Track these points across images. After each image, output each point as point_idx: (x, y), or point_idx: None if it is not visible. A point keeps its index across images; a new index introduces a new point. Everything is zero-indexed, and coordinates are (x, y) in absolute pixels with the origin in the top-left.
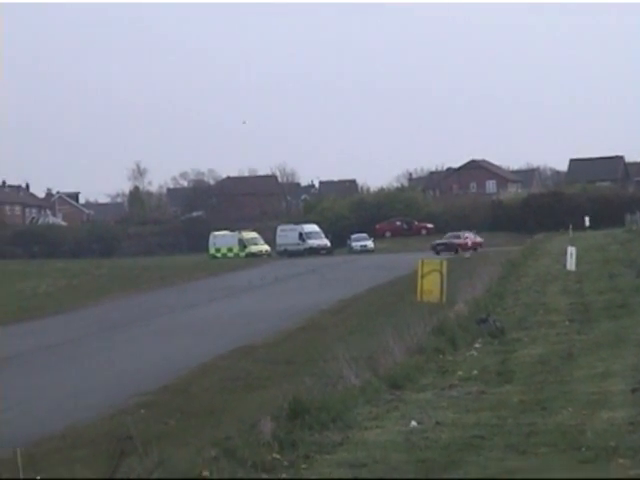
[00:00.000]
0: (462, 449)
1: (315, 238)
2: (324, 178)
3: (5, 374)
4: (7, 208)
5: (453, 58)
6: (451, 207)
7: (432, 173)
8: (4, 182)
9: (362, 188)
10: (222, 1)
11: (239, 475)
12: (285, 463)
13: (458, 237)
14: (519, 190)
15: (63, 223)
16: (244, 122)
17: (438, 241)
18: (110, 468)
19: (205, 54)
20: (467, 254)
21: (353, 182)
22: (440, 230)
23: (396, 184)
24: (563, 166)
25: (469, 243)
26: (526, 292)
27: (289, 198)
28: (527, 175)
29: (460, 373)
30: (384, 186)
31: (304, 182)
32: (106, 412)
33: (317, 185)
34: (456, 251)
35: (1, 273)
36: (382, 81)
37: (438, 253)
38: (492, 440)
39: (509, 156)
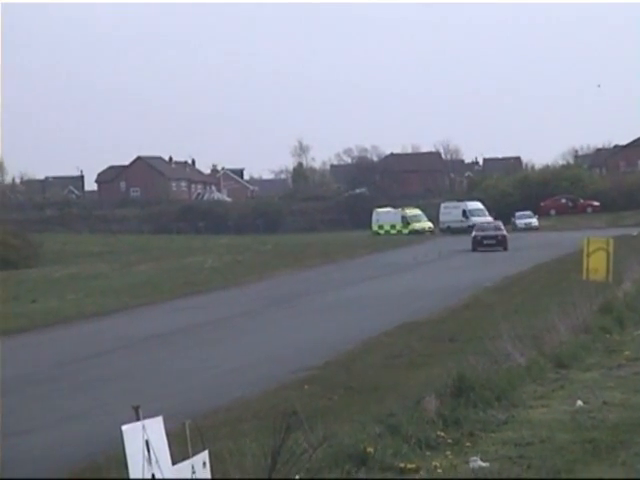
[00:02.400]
0: (630, 430)
1: (479, 215)
2: (488, 155)
3: (174, 347)
4: (173, 184)
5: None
6: (618, 185)
7: (599, 150)
8: (171, 158)
9: (527, 165)
10: None
11: (404, 451)
12: (449, 440)
13: None
14: None
15: (228, 199)
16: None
17: None
18: (276, 442)
19: (373, 24)
20: (635, 232)
21: (517, 159)
22: (606, 208)
23: (561, 161)
24: None
25: None
26: None
27: (453, 175)
28: None
29: (627, 353)
30: (549, 163)
31: (468, 159)
32: (270, 386)
33: (481, 162)
34: None
35: (168, 248)
36: (548, 56)
37: None
38: None
39: None
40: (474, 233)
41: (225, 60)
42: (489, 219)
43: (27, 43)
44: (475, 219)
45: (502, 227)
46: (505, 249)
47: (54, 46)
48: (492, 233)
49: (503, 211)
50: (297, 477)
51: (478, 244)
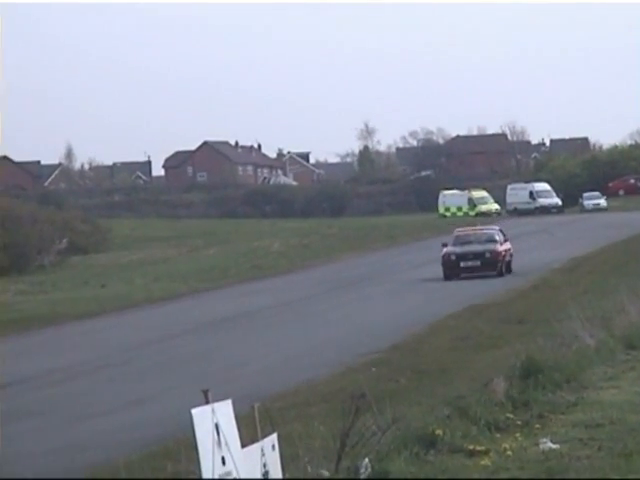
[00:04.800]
0: None
1: (546, 197)
2: (555, 136)
3: (242, 330)
4: (240, 168)
5: None
6: None
7: None
8: (237, 142)
9: (594, 146)
10: None
11: (473, 433)
12: (518, 422)
13: None
14: None
15: (294, 183)
16: None
17: None
18: (345, 425)
19: (422, 11)
20: None
21: (585, 140)
22: None
23: (629, 141)
24: None
25: None
26: None
27: (519, 156)
28: None
29: None
30: (617, 143)
31: (534, 140)
32: (337, 369)
33: (548, 143)
34: None
35: (235, 232)
36: (614, 34)
37: None
38: None
39: None
40: (446, 250)
41: (290, 44)
42: (556, 200)
43: (96, 31)
44: (542, 200)
45: (497, 237)
46: (500, 273)
47: (123, 33)
48: (476, 249)
49: (571, 192)
50: (366, 460)
51: (452, 268)
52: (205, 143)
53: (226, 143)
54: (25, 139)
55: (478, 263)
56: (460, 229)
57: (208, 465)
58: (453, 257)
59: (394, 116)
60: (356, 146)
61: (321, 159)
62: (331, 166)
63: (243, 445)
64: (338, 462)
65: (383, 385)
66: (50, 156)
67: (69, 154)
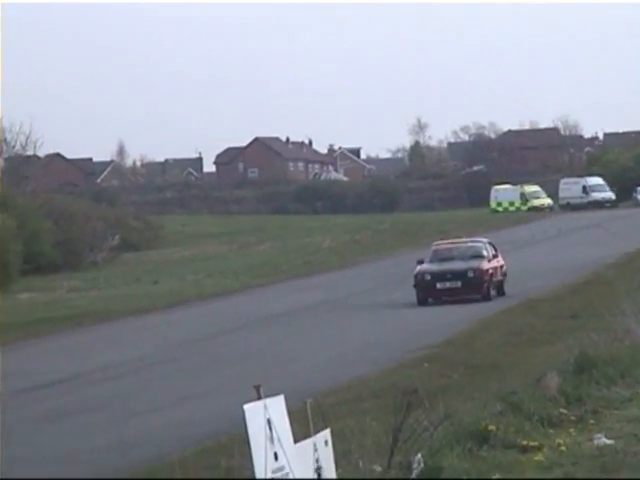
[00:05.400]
0: None
1: (599, 191)
2: (609, 129)
3: (293, 326)
4: (291, 164)
5: None
6: None
7: None
8: (288, 138)
9: None
10: None
11: (526, 429)
12: (572, 418)
13: None
14: None
15: (345, 178)
16: None
17: None
18: (397, 420)
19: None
20: None
21: (639, 133)
22: None
23: None
24: None
25: None
26: None
27: (572, 151)
28: None
29: None
30: None
31: (588, 134)
32: (389, 365)
33: (601, 137)
34: None
35: (286, 228)
36: None
37: None
38: None
39: None
40: (419, 268)
41: (342, 39)
42: (610, 194)
43: (149, 30)
44: (595, 195)
45: (485, 252)
46: (486, 296)
47: (175, 30)
48: (457, 267)
49: (624, 186)
50: (418, 455)
51: (427, 290)
52: (256, 139)
53: (277, 139)
54: (77, 136)
55: (458, 284)
56: (439, 242)
57: (261, 461)
58: (428, 277)
59: (446, 111)
60: (407, 141)
61: (372, 155)
62: (382, 161)
63: (296, 440)
64: (390, 457)
65: (435, 381)
66: (102, 153)
67: (121, 151)
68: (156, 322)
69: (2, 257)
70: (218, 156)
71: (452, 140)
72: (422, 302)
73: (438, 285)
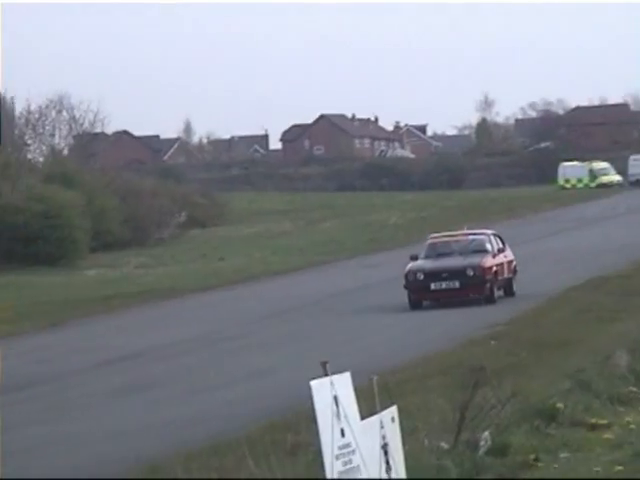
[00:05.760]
0: None
1: None
2: None
3: (359, 304)
4: (356, 141)
5: None
6: None
7: None
8: (354, 115)
9: None
10: None
11: (595, 407)
12: None
13: None
14: None
15: (411, 155)
16: None
17: None
18: (465, 398)
19: None
20: None
21: None
22: None
23: None
24: None
25: None
26: None
27: None
28: None
29: None
30: None
31: None
32: (456, 342)
33: None
34: None
35: (351, 205)
36: None
37: None
38: None
39: None
40: (410, 266)
41: (407, 16)
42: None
43: (217, 8)
44: None
45: (489, 246)
46: (489, 298)
47: (242, 9)
48: (454, 264)
49: None
50: (486, 432)
51: (419, 292)
52: (322, 116)
53: (343, 116)
54: (145, 114)
55: (456, 284)
56: (436, 234)
57: (327, 437)
58: (420, 276)
59: (513, 87)
60: (474, 118)
61: (438, 131)
62: (449, 138)
63: (362, 417)
64: (457, 435)
65: (502, 358)
66: (169, 130)
67: (187, 128)
68: (223, 298)
69: (71, 234)
70: (284, 133)
71: (519, 117)
72: (415, 306)
73: (432, 286)
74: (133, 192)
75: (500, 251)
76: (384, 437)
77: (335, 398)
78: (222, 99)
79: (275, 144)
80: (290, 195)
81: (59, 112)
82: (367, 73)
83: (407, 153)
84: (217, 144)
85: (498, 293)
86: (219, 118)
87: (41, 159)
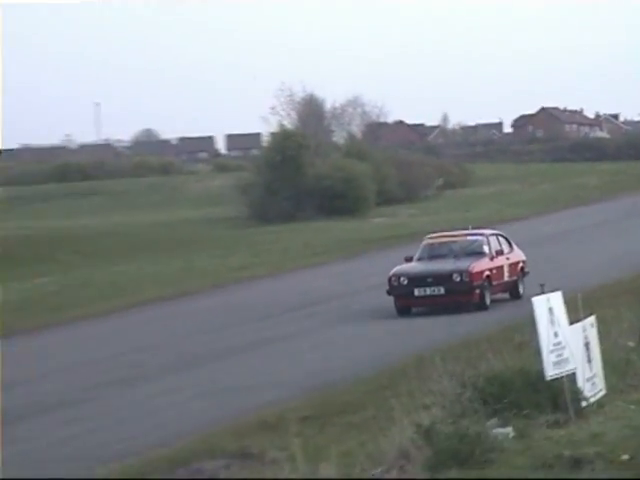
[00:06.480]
0: None
1: None
2: None
3: (566, 243)
4: (567, 126)
5: None
6: None
7: None
8: (565, 108)
9: None
10: None
11: None
12: None
13: None
14: None
15: (607, 136)
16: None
17: None
18: None
19: None
20: None
21: None
22: None
23: None
24: None
25: None
26: None
27: None
28: None
29: None
30: None
31: None
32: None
33: None
34: None
35: (562, 173)
36: None
37: None
38: None
39: None
40: (395, 270)
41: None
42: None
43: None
44: None
45: (486, 248)
46: (480, 304)
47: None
48: (440, 269)
49: None
50: None
51: (403, 298)
52: (542, 109)
53: (557, 108)
54: (415, 106)
55: (441, 290)
56: (434, 235)
57: (545, 337)
58: (404, 281)
59: None
60: None
61: (629, 118)
62: (636, 123)
63: (569, 324)
64: None
65: None
66: (432, 119)
67: (445, 118)
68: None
69: (363, 193)
70: (514, 121)
71: None
72: (402, 312)
73: (416, 292)
74: (406, 163)
75: (500, 253)
76: (586, 337)
77: (550, 309)
78: (474, 93)
79: (507, 129)
80: (518, 165)
81: (354, 108)
82: (577, 72)
83: (604, 134)
84: (466, 129)
85: (503, 296)
86: (468, 110)
87: (342, 141)
